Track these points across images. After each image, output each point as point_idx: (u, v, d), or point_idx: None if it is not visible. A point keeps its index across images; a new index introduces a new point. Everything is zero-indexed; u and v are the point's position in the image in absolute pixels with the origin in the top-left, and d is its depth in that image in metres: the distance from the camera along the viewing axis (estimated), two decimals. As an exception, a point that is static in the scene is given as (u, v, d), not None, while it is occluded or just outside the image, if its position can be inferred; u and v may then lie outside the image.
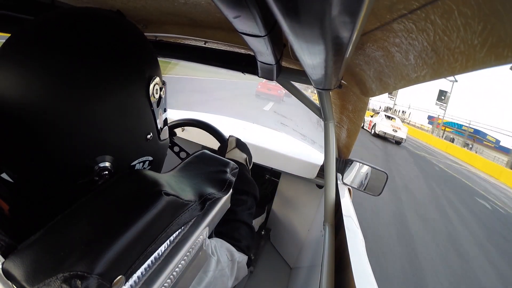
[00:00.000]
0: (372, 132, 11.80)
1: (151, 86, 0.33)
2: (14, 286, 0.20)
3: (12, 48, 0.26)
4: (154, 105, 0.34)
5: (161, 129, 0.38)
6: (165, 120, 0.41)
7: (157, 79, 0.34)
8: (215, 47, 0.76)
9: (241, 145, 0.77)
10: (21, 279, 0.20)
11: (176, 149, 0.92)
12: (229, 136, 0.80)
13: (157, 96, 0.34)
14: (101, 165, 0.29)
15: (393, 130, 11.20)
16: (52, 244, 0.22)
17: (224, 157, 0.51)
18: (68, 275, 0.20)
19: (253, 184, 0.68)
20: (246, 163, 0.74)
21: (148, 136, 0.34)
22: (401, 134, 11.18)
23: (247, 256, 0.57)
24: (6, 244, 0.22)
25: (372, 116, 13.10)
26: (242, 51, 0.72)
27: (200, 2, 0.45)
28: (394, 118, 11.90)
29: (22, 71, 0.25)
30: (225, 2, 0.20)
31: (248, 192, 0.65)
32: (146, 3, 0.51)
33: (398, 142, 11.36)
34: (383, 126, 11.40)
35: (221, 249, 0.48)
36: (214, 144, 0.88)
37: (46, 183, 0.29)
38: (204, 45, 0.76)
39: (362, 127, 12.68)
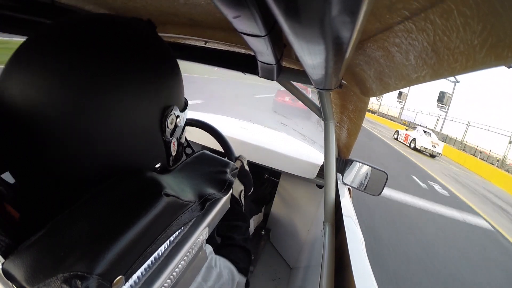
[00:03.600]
0: (412, 146, 12.62)
1: (167, 115, 0.30)
2: (14, 286, 0.20)
3: (27, 54, 0.26)
4: (167, 135, 0.32)
5: (173, 156, 0.36)
6: (180, 145, 0.38)
7: (174, 108, 0.31)
8: (216, 47, 0.76)
9: (242, 174, 0.74)
10: (21, 279, 0.20)
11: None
12: (238, 156, 0.77)
13: (171, 126, 0.32)
14: None
15: (432, 145, 12.27)
16: (52, 244, 0.22)
17: None
18: (68, 275, 0.20)
19: (245, 216, 0.69)
20: (240, 197, 0.72)
21: (156, 166, 0.32)
22: (439, 149, 12.32)
23: (245, 279, 0.57)
24: (6, 245, 0.22)
25: (406, 130, 14.12)
26: (243, 51, 0.72)
27: (200, 2, 0.45)
28: (430, 133, 12.85)
29: (34, 78, 0.25)
30: (224, 2, 0.20)
31: (241, 220, 0.67)
32: (146, 3, 0.51)
33: (433, 156, 12.40)
34: (424, 141, 12.33)
35: (224, 268, 0.48)
36: (214, 144, 0.88)
37: (48, 196, 0.28)
38: (204, 45, 0.76)
39: (396, 139, 14.26)
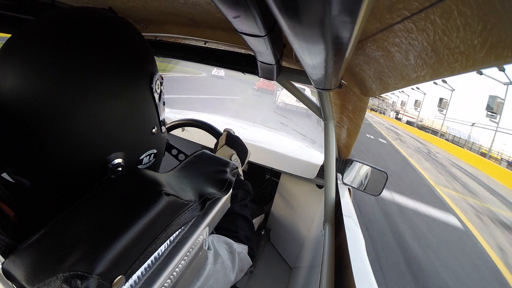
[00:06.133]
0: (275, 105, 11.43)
1: (154, 81, 0.34)
2: (14, 286, 0.20)
3: (18, 47, 0.26)
4: (157, 99, 0.35)
5: (163, 121, 0.39)
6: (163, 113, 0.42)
7: (157, 74, 0.35)
8: (215, 47, 0.76)
9: (230, 141, 0.75)
10: (21, 279, 0.20)
11: (174, 151, 0.91)
12: (223, 130, 0.79)
13: (158, 90, 0.35)
14: (114, 162, 0.30)
15: (296, 100, 10.14)
16: (52, 244, 0.22)
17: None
18: (68, 275, 0.20)
19: (241, 182, 0.67)
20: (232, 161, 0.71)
21: (154, 130, 0.35)
22: None
23: (246, 246, 0.56)
24: (6, 244, 0.22)
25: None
26: (242, 51, 0.72)
27: (200, 2, 0.45)
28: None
29: (30, 71, 0.25)
30: (224, 2, 0.20)
31: (237, 188, 0.65)
32: (146, 3, 0.51)
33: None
34: (284, 96, 10.81)
35: (219, 243, 0.47)
36: (214, 144, 0.88)
37: (61, 186, 0.29)
38: (204, 45, 0.76)
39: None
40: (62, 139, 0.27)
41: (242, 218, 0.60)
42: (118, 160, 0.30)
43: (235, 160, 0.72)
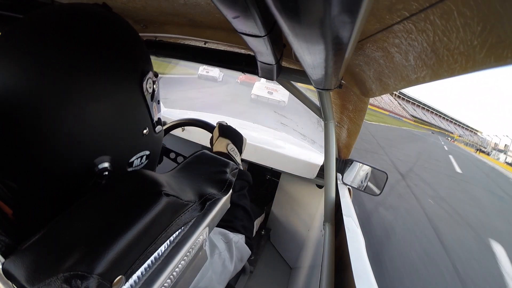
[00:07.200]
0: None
1: (145, 80, 0.32)
2: (15, 286, 0.20)
3: (3, 47, 0.26)
4: (148, 99, 0.34)
5: (156, 122, 0.37)
6: (159, 111, 0.41)
7: (150, 73, 0.34)
8: (215, 47, 0.76)
9: (224, 131, 0.74)
10: (21, 279, 0.20)
11: (172, 155, 0.91)
12: (216, 123, 0.78)
13: (150, 90, 0.34)
14: (100, 166, 0.29)
15: (268, 92, 10.13)
16: (53, 244, 0.22)
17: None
18: (68, 275, 0.20)
19: (240, 172, 0.66)
20: (229, 151, 0.71)
21: (145, 131, 0.34)
22: (278, 96, 10.13)
23: (243, 235, 0.56)
24: (6, 245, 0.22)
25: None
26: (242, 51, 0.72)
27: (200, 3, 0.45)
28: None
29: (12, 71, 0.25)
30: (224, 2, 0.20)
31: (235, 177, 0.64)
32: (146, 3, 0.51)
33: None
34: (256, 89, 10.50)
35: (215, 235, 0.47)
36: None
37: (47, 191, 0.28)
38: (204, 45, 0.76)
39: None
40: (43, 141, 0.26)
41: (240, 208, 0.60)
42: (104, 165, 0.29)
43: (232, 149, 0.72)
